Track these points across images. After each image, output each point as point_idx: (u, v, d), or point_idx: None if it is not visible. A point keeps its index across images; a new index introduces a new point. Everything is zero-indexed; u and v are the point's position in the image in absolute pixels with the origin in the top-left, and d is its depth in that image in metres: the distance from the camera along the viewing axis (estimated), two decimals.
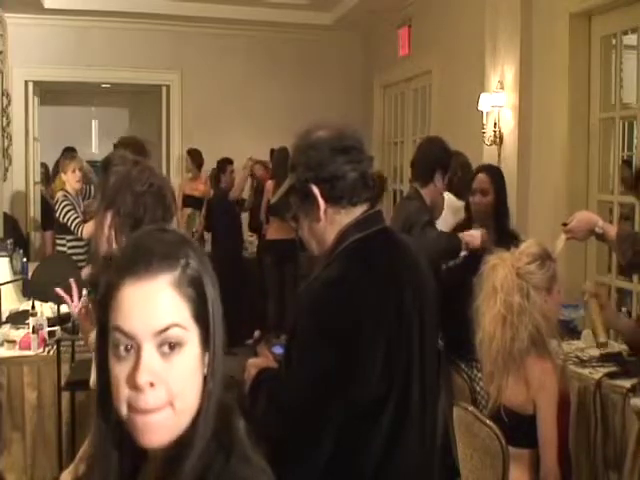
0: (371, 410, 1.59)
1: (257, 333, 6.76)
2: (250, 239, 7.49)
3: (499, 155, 4.87)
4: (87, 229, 4.89)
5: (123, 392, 0.93)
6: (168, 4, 7.08)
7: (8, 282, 4.27)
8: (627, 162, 4.65)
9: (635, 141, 4.88)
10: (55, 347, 3.47)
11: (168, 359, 0.94)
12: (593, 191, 4.31)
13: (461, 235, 3.34)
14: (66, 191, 5.27)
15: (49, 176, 8.08)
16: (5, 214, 6.63)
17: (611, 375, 3.03)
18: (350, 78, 8.01)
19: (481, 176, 3.56)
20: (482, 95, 4.95)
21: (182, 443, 0.95)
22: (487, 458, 2.48)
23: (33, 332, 3.60)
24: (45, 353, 3.59)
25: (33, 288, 4.26)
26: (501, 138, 4.88)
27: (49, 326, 3.66)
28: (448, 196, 3.97)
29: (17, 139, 7.19)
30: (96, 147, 10.70)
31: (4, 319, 4.02)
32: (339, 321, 1.56)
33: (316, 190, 1.66)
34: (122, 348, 0.93)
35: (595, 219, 2.72)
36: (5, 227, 6.43)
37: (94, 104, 10.82)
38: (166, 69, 7.66)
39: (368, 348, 1.57)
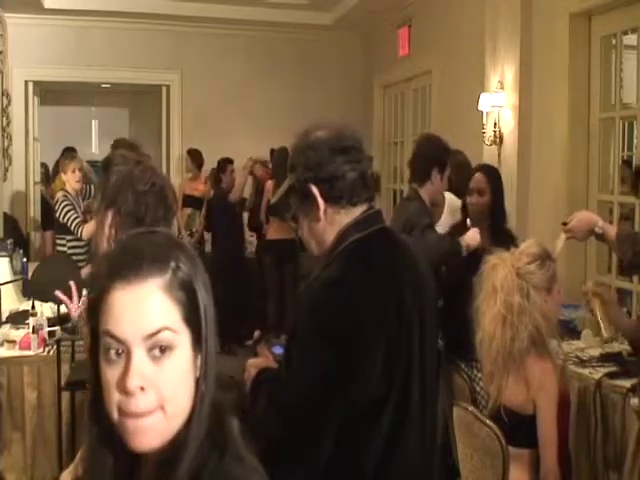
0: (371, 410, 1.59)
1: (257, 333, 6.74)
2: (250, 239, 7.49)
3: (499, 155, 4.87)
4: (87, 229, 4.89)
5: (114, 396, 0.93)
6: (168, 4, 7.08)
7: (8, 282, 4.27)
8: (627, 162, 4.65)
9: (635, 141, 4.88)
10: (55, 347, 3.47)
11: (159, 363, 0.94)
12: (593, 191, 4.31)
13: (461, 238, 3.34)
14: (66, 191, 5.27)
15: (49, 176, 8.07)
16: (5, 214, 6.63)
17: (611, 375, 3.03)
18: (350, 78, 8.01)
19: (478, 176, 3.55)
20: (482, 95, 4.95)
21: (176, 446, 0.95)
22: (487, 458, 2.48)
23: (33, 332, 3.60)
24: (45, 353, 3.59)
25: (33, 288, 4.26)
26: (501, 138, 4.88)
27: (49, 326, 3.66)
28: (449, 196, 3.97)
29: (17, 139, 7.18)
30: (96, 147, 10.70)
31: (4, 319, 4.02)
32: (339, 321, 1.56)
33: (315, 190, 1.66)
34: (113, 352, 0.93)
35: (595, 219, 2.72)
36: (5, 227, 6.43)
37: (94, 104, 10.82)
38: (166, 69, 7.66)
39: (368, 348, 1.57)
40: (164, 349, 0.94)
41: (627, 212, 4.18)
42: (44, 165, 8.14)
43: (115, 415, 0.94)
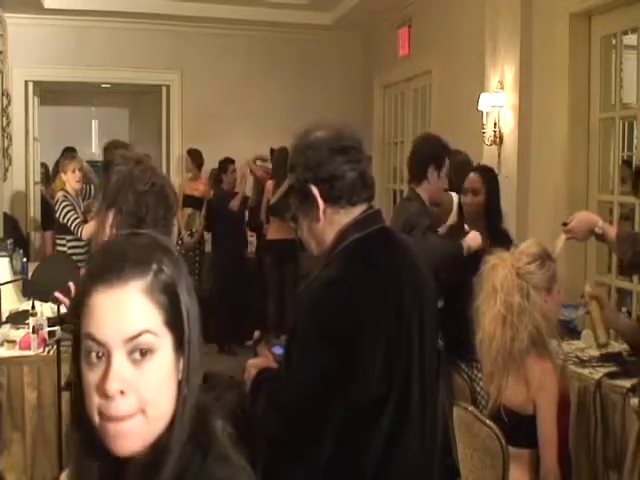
0: (371, 410, 1.59)
1: (257, 333, 6.74)
2: (250, 239, 7.49)
3: (499, 155, 4.87)
4: (87, 230, 4.89)
5: (94, 400, 0.93)
6: (168, 4, 7.07)
7: (8, 282, 4.27)
8: (627, 162, 4.65)
9: (635, 141, 4.88)
10: (55, 347, 3.46)
11: (139, 366, 0.94)
12: (593, 191, 4.31)
13: (463, 240, 3.34)
14: (66, 191, 5.27)
15: (49, 176, 8.07)
16: (5, 214, 6.63)
17: (611, 375, 3.03)
18: (350, 78, 8.00)
19: (473, 176, 3.56)
20: (482, 95, 4.95)
21: (159, 449, 0.95)
22: (487, 458, 2.48)
23: (33, 332, 3.60)
24: (45, 353, 3.59)
25: (33, 288, 4.26)
26: (501, 138, 4.88)
27: (49, 326, 3.66)
28: (456, 198, 3.96)
29: (17, 139, 7.18)
30: (96, 147, 10.69)
31: (4, 319, 4.02)
32: (339, 321, 1.56)
33: (315, 190, 1.66)
34: (93, 355, 0.93)
35: (595, 219, 2.72)
36: (5, 227, 6.43)
37: (94, 104, 10.82)
38: (166, 69, 7.66)
39: (368, 348, 1.57)
40: (145, 352, 0.94)
41: (627, 212, 4.18)
42: (44, 165, 8.14)
43: (96, 419, 0.94)
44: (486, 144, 4.96)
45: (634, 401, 2.71)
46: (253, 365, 1.81)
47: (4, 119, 6.77)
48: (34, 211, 7.47)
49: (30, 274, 4.67)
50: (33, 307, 3.77)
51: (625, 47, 4.21)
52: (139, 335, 0.93)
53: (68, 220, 5.09)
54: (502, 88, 4.82)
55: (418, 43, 6.60)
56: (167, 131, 8.00)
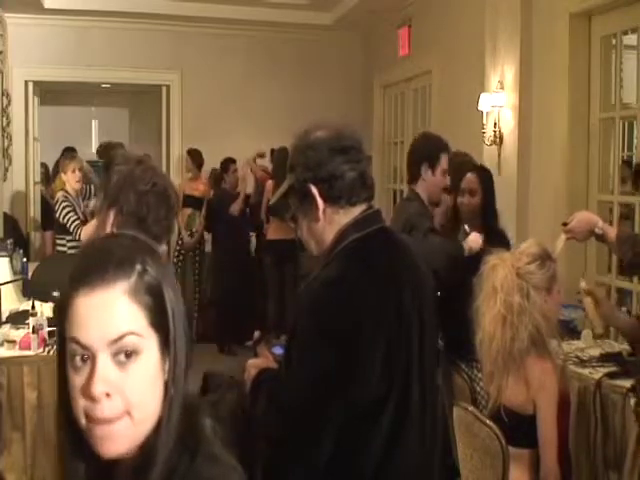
0: (371, 410, 1.59)
1: (257, 333, 6.77)
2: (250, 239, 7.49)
3: (499, 155, 4.87)
4: (85, 231, 4.89)
5: (80, 402, 0.93)
6: (168, 4, 7.07)
7: (8, 282, 4.27)
8: (627, 162, 4.65)
9: (635, 141, 4.88)
10: (55, 347, 3.46)
11: (124, 368, 0.93)
12: (593, 191, 4.31)
13: (464, 241, 3.34)
14: (66, 191, 5.27)
15: (49, 176, 8.08)
16: (5, 214, 6.63)
17: (611, 375, 3.03)
18: (350, 78, 8.00)
19: (470, 176, 3.57)
20: (482, 95, 4.95)
21: (146, 451, 0.95)
22: (487, 458, 2.48)
23: (33, 332, 3.60)
24: (45, 353, 3.58)
25: (33, 288, 4.26)
26: (501, 138, 4.88)
27: (49, 326, 3.66)
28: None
29: (17, 139, 7.18)
30: (96, 147, 10.69)
31: (4, 319, 4.02)
32: (339, 321, 1.56)
33: (315, 190, 1.66)
34: (78, 358, 0.93)
35: (595, 220, 2.72)
36: (5, 227, 6.43)
37: (94, 104, 10.82)
38: (166, 69, 7.66)
39: (368, 348, 1.57)
40: (129, 354, 0.93)
41: (627, 212, 4.18)
42: (44, 165, 8.15)
43: (83, 421, 0.93)
44: (486, 144, 4.96)
45: (633, 401, 2.71)
46: (253, 365, 1.81)
47: (4, 119, 6.77)
48: (34, 211, 7.46)
49: (30, 274, 4.67)
50: (33, 307, 3.76)
51: (625, 47, 4.21)
52: (123, 337, 0.93)
53: (67, 221, 5.09)
54: (502, 88, 4.82)
55: (418, 43, 6.60)
56: (167, 131, 8.00)
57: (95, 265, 0.95)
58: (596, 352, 3.36)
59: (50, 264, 4.77)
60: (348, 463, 1.60)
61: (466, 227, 3.53)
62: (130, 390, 0.93)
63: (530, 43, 4.66)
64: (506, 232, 3.70)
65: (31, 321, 3.65)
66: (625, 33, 4.15)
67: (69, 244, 5.18)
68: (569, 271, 3.92)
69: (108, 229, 1.84)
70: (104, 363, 0.92)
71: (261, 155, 7.14)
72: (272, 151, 7.04)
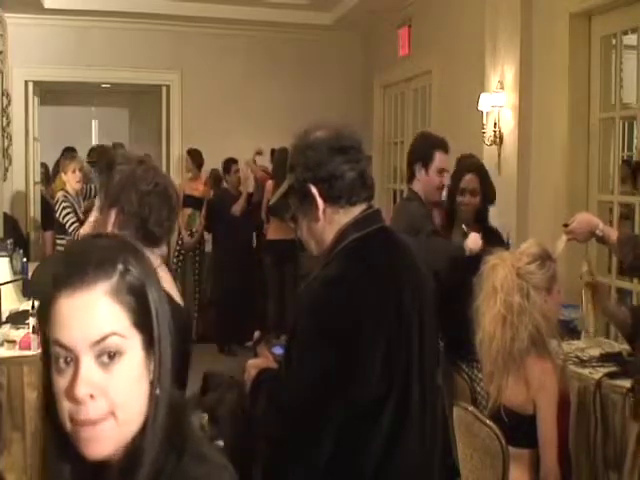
0: (371, 410, 1.59)
1: (257, 333, 6.75)
2: None
3: (499, 155, 4.87)
4: (82, 233, 4.88)
5: (65, 405, 0.92)
6: (168, 4, 7.07)
7: (8, 282, 4.26)
8: (627, 162, 4.65)
9: (635, 141, 4.88)
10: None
11: (108, 369, 0.93)
12: (593, 191, 4.31)
13: (464, 243, 3.34)
14: (66, 191, 5.28)
15: (49, 176, 8.08)
16: (5, 214, 6.62)
17: (611, 375, 3.03)
18: (350, 78, 8.00)
19: (471, 177, 3.57)
20: (482, 95, 4.95)
21: (133, 452, 0.94)
22: (487, 458, 2.48)
23: (33, 332, 3.59)
24: None
25: (33, 288, 4.26)
26: (501, 138, 4.88)
27: None
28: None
29: (17, 139, 7.18)
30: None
31: (4, 319, 4.02)
32: (339, 320, 1.56)
33: (314, 190, 1.66)
34: (62, 361, 0.93)
35: (596, 221, 2.72)
36: (5, 227, 6.43)
37: (94, 104, 10.81)
38: (166, 69, 7.65)
39: (368, 348, 1.57)
40: (113, 355, 0.93)
41: (627, 212, 4.18)
42: (44, 165, 8.14)
43: (68, 424, 0.93)
44: (486, 144, 4.96)
45: (632, 401, 2.71)
46: (253, 365, 1.81)
47: (4, 119, 6.77)
48: (34, 211, 7.46)
49: (30, 274, 4.67)
50: (33, 307, 3.76)
51: (625, 47, 4.21)
52: (106, 338, 0.92)
53: (67, 222, 5.10)
54: (502, 88, 4.82)
55: (418, 43, 6.60)
56: (167, 131, 8.00)
57: (75, 266, 0.94)
58: (596, 352, 3.36)
59: (50, 264, 4.76)
60: (348, 463, 1.60)
61: (464, 227, 3.54)
62: (114, 391, 0.93)
63: (530, 43, 4.66)
64: (500, 231, 3.72)
65: (31, 321, 3.65)
66: (625, 33, 4.15)
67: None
68: (569, 271, 3.92)
69: (110, 229, 1.84)
70: (87, 365, 0.92)
71: (259, 152, 7.14)
72: (272, 151, 7.04)
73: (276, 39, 7.79)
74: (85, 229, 4.83)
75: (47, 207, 6.95)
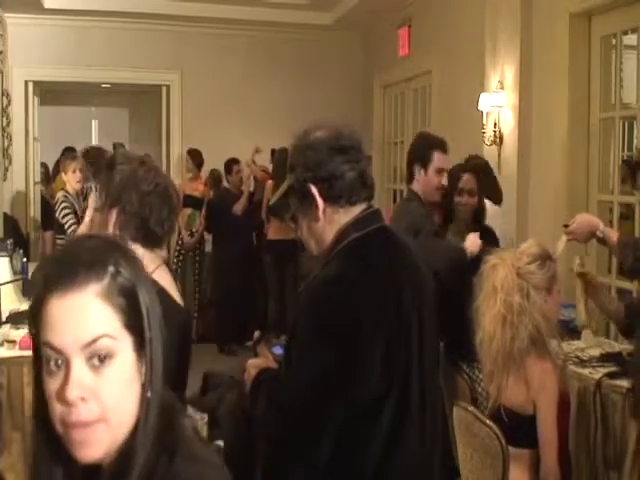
0: (371, 410, 1.59)
1: (257, 333, 6.77)
2: None
3: (499, 155, 4.87)
4: (80, 232, 4.88)
5: (56, 407, 0.92)
6: (168, 4, 7.07)
7: (8, 282, 4.26)
8: (627, 162, 4.64)
9: (635, 141, 4.88)
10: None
11: (99, 372, 0.92)
12: (593, 191, 4.31)
13: (465, 245, 3.35)
14: (66, 191, 5.28)
15: (49, 176, 8.08)
16: (5, 214, 6.62)
17: (611, 375, 3.03)
18: (350, 78, 8.00)
19: (468, 177, 3.57)
20: (482, 95, 4.95)
21: (125, 454, 0.94)
22: (487, 458, 2.48)
23: None
24: None
25: (30, 288, 4.25)
26: (501, 138, 4.88)
27: None
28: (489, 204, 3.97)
29: (17, 139, 7.18)
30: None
31: (4, 319, 4.02)
32: (338, 318, 1.56)
33: (314, 190, 1.66)
34: (52, 363, 0.92)
35: (596, 222, 2.72)
36: (5, 227, 6.43)
37: (94, 104, 10.81)
38: (166, 69, 7.66)
39: (367, 347, 1.57)
40: (103, 358, 0.93)
41: (627, 212, 4.18)
42: (44, 165, 8.14)
43: (59, 427, 0.93)
44: (486, 144, 4.96)
45: (631, 402, 2.71)
46: (253, 365, 1.81)
47: (4, 119, 6.77)
48: (34, 211, 7.46)
49: (30, 274, 4.67)
50: None
51: (625, 47, 4.21)
52: (97, 340, 0.92)
53: (65, 222, 5.11)
54: (502, 88, 4.82)
55: (418, 43, 6.60)
56: (167, 131, 8.00)
57: (66, 268, 0.94)
58: (596, 352, 3.36)
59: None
60: (348, 463, 1.60)
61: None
62: (105, 394, 0.92)
63: (530, 43, 4.66)
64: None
65: None
66: (625, 33, 4.16)
67: None
68: (569, 271, 3.92)
69: (110, 229, 1.84)
70: (78, 367, 0.91)
71: (258, 151, 7.13)
72: (272, 151, 7.04)
73: (276, 39, 7.79)
74: (82, 229, 4.83)
75: (47, 207, 6.94)
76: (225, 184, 7.18)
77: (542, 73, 4.58)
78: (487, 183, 3.77)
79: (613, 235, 2.69)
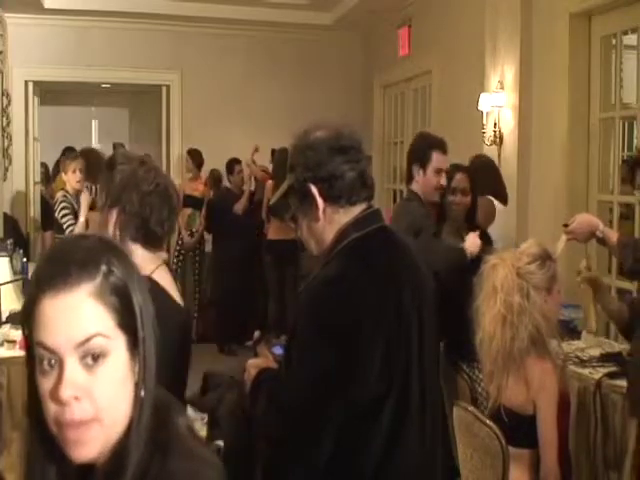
0: (371, 410, 1.59)
1: (257, 333, 6.77)
2: None
3: (499, 155, 4.87)
4: (75, 233, 4.88)
5: (50, 407, 0.92)
6: (168, 4, 7.07)
7: (8, 282, 4.26)
8: (627, 162, 4.64)
9: (635, 141, 4.88)
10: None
11: (92, 371, 0.93)
12: (593, 191, 4.31)
13: (464, 245, 3.35)
14: (66, 191, 5.28)
15: (49, 176, 8.07)
16: (5, 214, 6.62)
17: (611, 375, 3.03)
18: (350, 78, 8.00)
19: (461, 176, 3.58)
20: (482, 95, 4.95)
21: (119, 454, 0.94)
22: (487, 458, 2.48)
23: None
24: None
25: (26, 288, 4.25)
26: (501, 138, 4.88)
27: None
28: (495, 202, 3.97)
29: (17, 139, 7.18)
30: (96, 147, 10.69)
31: (4, 319, 4.02)
32: (338, 318, 1.57)
33: (314, 190, 1.66)
34: (46, 363, 0.92)
35: (596, 222, 2.72)
36: (5, 227, 6.43)
37: (94, 104, 10.81)
38: (166, 69, 7.66)
39: (367, 347, 1.57)
40: (97, 357, 0.93)
41: (627, 212, 4.18)
42: (44, 165, 8.14)
43: (53, 426, 0.93)
44: (486, 144, 4.96)
45: (629, 402, 2.71)
46: (253, 365, 1.81)
47: (4, 119, 6.77)
48: (34, 211, 7.46)
49: (30, 274, 4.67)
50: None
51: (625, 47, 4.22)
52: (90, 339, 0.92)
53: (64, 223, 5.11)
54: (502, 88, 4.82)
55: (418, 43, 6.60)
56: (167, 131, 8.00)
57: (58, 268, 0.94)
58: (596, 352, 3.36)
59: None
60: (348, 463, 1.60)
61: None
62: (99, 393, 0.92)
63: (530, 43, 4.66)
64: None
65: None
66: (625, 33, 4.16)
67: None
68: (569, 271, 3.92)
69: (111, 229, 1.84)
70: (72, 367, 0.91)
71: (257, 150, 7.13)
72: (272, 151, 7.04)
73: (276, 39, 7.79)
74: (78, 228, 4.84)
75: (47, 207, 6.94)
76: (226, 184, 7.18)
77: (542, 73, 4.58)
78: (491, 182, 3.78)
79: (613, 235, 2.69)
